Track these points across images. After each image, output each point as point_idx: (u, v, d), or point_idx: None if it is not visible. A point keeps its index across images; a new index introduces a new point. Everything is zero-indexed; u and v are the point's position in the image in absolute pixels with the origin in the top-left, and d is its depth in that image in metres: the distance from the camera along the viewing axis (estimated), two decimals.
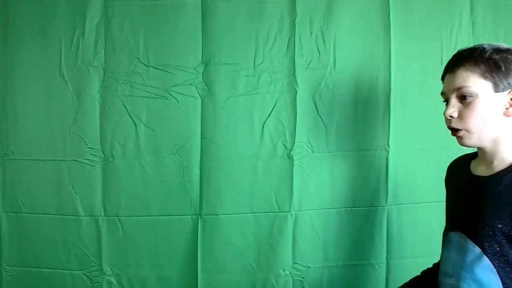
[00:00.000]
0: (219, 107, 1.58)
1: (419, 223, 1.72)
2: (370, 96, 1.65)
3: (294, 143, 1.62)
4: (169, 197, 1.59)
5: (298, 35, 1.60)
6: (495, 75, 1.09)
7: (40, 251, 1.59)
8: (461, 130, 1.13)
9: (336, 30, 1.62)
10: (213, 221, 1.61)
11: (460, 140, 1.15)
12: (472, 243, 1.11)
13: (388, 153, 1.67)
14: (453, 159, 1.73)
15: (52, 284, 1.60)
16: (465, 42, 1.70)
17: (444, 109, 1.15)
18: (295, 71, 1.60)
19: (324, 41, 1.61)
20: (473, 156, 1.24)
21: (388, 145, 1.66)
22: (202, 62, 1.57)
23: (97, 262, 1.59)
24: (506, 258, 1.06)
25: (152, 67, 1.54)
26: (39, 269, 1.60)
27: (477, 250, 1.09)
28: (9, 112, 1.54)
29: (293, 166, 1.63)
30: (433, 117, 1.69)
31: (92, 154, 1.56)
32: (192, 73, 1.56)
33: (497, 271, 1.07)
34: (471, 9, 1.70)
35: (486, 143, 1.13)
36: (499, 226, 1.06)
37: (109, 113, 1.55)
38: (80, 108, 1.55)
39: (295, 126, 1.61)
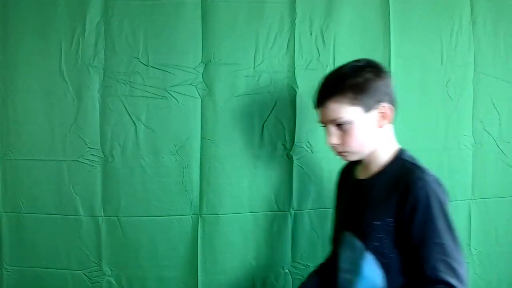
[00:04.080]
0: (219, 107, 1.58)
1: None
2: None
3: (293, 143, 1.62)
4: (169, 197, 1.59)
5: (298, 35, 1.60)
6: (362, 99, 1.18)
7: (40, 251, 1.59)
8: (346, 152, 1.23)
9: (336, 30, 1.62)
10: (213, 220, 1.61)
11: (345, 158, 1.26)
12: (358, 241, 1.21)
13: None
14: (452, 159, 1.74)
15: (52, 284, 1.60)
16: (465, 42, 1.70)
17: (327, 137, 1.24)
18: (295, 71, 1.60)
19: (324, 41, 1.61)
20: (354, 161, 1.32)
21: None
22: (202, 62, 1.57)
23: (97, 262, 1.59)
24: (384, 254, 1.16)
25: (152, 67, 1.54)
26: (39, 269, 1.60)
27: (362, 247, 1.19)
28: (9, 112, 1.54)
29: (292, 166, 1.63)
30: (433, 117, 1.70)
31: (92, 154, 1.56)
32: (192, 73, 1.56)
33: (381, 264, 1.17)
34: (471, 9, 1.70)
35: (366, 154, 1.24)
36: (377, 223, 1.16)
37: (109, 113, 1.55)
38: (80, 108, 1.55)
39: (295, 126, 1.61)
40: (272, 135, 1.61)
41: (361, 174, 1.30)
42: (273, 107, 1.60)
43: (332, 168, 1.65)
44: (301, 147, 1.62)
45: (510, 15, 1.73)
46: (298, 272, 1.67)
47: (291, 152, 1.62)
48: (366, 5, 1.63)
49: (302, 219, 1.65)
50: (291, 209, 1.64)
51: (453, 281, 1.07)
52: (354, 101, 1.18)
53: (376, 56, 1.62)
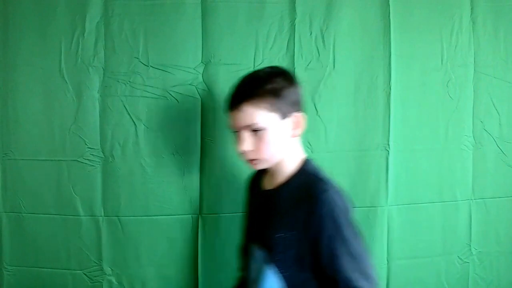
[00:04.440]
0: (219, 107, 1.57)
1: (419, 224, 1.72)
2: (370, 96, 1.65)
3: None
4: (169, 197, 1.59)
5: (297, 35, 1.60)
6: (279, 105, 1.16)
7: (41, 251, 1.59)
8: (258, 159, 1.20)
9: (336, 30, 1.62)
10: (213, 220, 1.61)
11: (255, 166, 1.23)
12: (262, 253, 1.19)
13: (388, 153, 1.67)
14: (452, 159, 1.74)
15: (53, 283, 1.60)
16: (465, 42, 1.70)
17: (236, 141, 1.22)
18: (294, 71, 1.60)
19: (323, 41, 1.61)
20: (262, 170, 1.30)
21: (388, 145, 1.66)
22: (202, 62, 1.57)
23: (97, 262, 1.59)
24: (287, 268, 1.15)
25: (152, 67, 1.54)
26: (40, 268, 1.60)
27: (265, 259, 1.18)
28: (9, 112, 1.54)
29: None
30: (433, 117, 1.70)
31: (92, 154, 1.56)
32: (192, 73, 1.56)
33: (283, 277, 1.15)
34: (471, 9, 1.70)
35: (274, 163, 1.22)
36: (280, 236, 1.14)
37: (109, 113, 1.55)
38: (80, 108, 1.55)
39: None
40: None
41: (267, 184, 1.28)
42: None
43: (332, 168, 1.64)
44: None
45: (510, 15, 1.73)
46: None
47: None
48: (366, 5, 1.63)
49: None
50: None
51: (367, 285, 1.11)
52: (272, 107, 1.16)
53: (376, 56, 1.64)
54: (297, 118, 1.21)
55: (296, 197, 1.16)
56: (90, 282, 1.59)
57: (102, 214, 1.57)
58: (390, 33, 1.63)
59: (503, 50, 1.73)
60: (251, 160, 1.21)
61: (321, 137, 1.63)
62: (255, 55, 1.58)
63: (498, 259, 1.79)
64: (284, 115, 1.18)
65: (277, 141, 1.18)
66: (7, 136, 1.55)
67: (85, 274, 1.59)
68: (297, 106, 1.22)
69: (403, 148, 1.68)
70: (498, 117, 1.75)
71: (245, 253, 1.32)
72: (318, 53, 1.61)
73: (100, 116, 1.55)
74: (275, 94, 1.17)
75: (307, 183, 1.17)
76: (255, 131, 1.17)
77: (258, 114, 1.16)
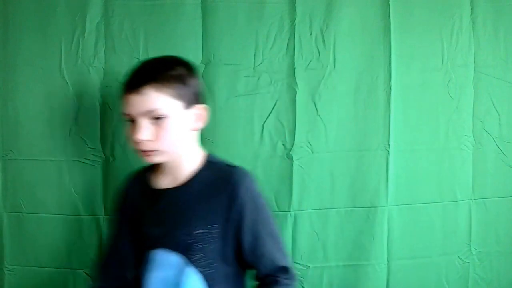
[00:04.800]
0: (219, 107, 1.57)
1: (420, 224, 1.72)
2: (370, 96, 1.65)
3: (293, 143, 1.62)
4: None
5: (298, 35, 1.60)
6: (185, 93, 1.10)
7: (42, 250, 1.60)
8: (156, 150, 1.11)
9: (336, 30, 1.61)
10: None
11: (149, 158, 1.13)
12: (175, 256, 1.10)
13: (389, 153, 1.67)
14: (452, 159, 1.74)
15: (54, 283, 1.60)
16: (466, 42, 1.70)
17: (130, 130, 1.11)
18: (295, 71, 1.60)
19: (324, 41, 1.61)
20: (147, 170, 1.22)
21: (389, 145, 1.66)
22: (202, 62, 1.57)
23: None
24: (209, 265, 1.09)
25: None
26: (41, 268, 1.60)
27: (182, 261, 1.09)
28: (10, 112, 1.54)
29: (292, 166, 1.63)
30: (434, 117, 1.70)
31: (93, 154, 1.56)
32: None
33: (206, 275, 1.09)
34: (471, 9, 1.70)
35: (173, 158, 1.14)
36: (199, 232, 1.09)
37: (110, 113, 1.55)
38: (80, 108, 1.55)
39: (295, 126, 1.61)
40: (272, 135, 1.61)
41: (164, 183, 1.18)
42: (273, 107, 1.60)
43: (332, 168, 1.65)
44: (301, 147, 1.62)
45: (510, 15, 1.72)
46: (298, 273, 1.65)
47: (291, 152, 1.62)
48: (366, 5, 1.63)
49: (302, 220, 1.65)
50: (291, 209, 1.64)
51: (287, 263, 1.14)
52: (176, 94, 1.09)
53: (376, 56, 1.64)
54: (200, 110, 1.15)
55: (211, 189, 1.12)
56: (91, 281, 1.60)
57: (103, 214, 1.58)
58: (390, 33, 1.63)
59: (503, 50, 1.73)
60: (147, 152, 1.12)
61: (321, 137, 1.63)
62: (255, 55, 1.58)
63: (498, 259, 1.79)
64: (187, 105, 1.11)
65: (178, 132, 1.11)
66: (7, 136, 1.55)
67: (86, 273, 1.60)
68: (200, 97, 1.16)
69: (403, 148, 1.68)
70: (498, 117, 1.74)
71: (137, 261, 1.19)
72: (318, 53, 1.61)
73: (100, 117, 1.55)
74: (180, 80, 1.10)
75: (222, 173, 1.15)
76: (156, 118, 1.08)
77: (162, 100, 1.07)
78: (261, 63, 1.59)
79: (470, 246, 1.76)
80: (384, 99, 1.65)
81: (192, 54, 1.56)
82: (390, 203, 1.68)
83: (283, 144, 1.62)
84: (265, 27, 1.59)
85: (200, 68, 1.56)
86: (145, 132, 1.09)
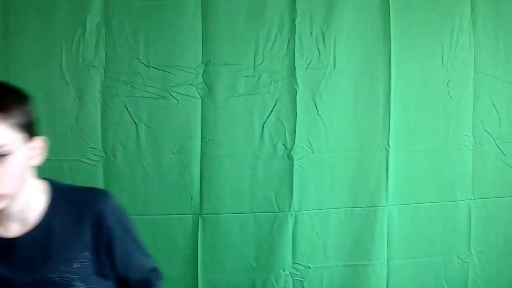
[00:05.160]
0: (219, 107, 1.58)
1: (419, 224, 1.73)
2: (370, 96, 1.65)
3: (294, 143, 1.62)
4: (170, 196, 1.59)
5: (298, 35, 1.60)
6: (26, 124, 0.92)
7: None
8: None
9: (336, 30, 1.62)
10: (213, 220, 1.61)
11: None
12: None
13: (389, 153, 1.67)
14: (452, 159, 1.74)
15: None
16: (466, 42, 1.70)
17: None
18: (295, 71, 1.60)
19: (324, 41, 1.62)
20: None
21: (389, 145, 1.67)
22: (202, 62, 1.57)
23: None
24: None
25: (153, 67, 1.55)
26: None
27: None
28: None
29: (293, 166, 1.63)
30: (433, 117, 1.70)
31: (94, 154, 1.57)
32: (192, 73, 1.57)
33: None
34: (471, 9, 1.70)
35: (18, 201, 0.95)
36: (76, 266, 0.99)
37: (110, 113, 1.56)
38: (81, 109, 1.55)
39: (295, 126, 1.62)
40: (272, 135, 1.61)
41: (14, 230, 0.99)
42: (273, 107, 1.61)
43: (333, 168, 1.66)
44: (302, 147, 1.63)
45: (510, 15, 1.73)
46: (298, 273, 1.67)
47: (291, 152, 1.62)
48: (366, 5, 1.63)
49: (303, 220, 1.65)
50: (291, 210, 1.64)
51: (154, 263, 1.13)
52: (19, 126, 0.89)
53: (376, 56, 1.64)
54: (40, 143, 0.96)
55: (72, 220, 1.01)
56: None
57: None
58: (390, 33, 1.64)
59: (503, 50, 1.73)
60: None
61: (321, 137, 1.64)
62: (255, 55, 1.59)
63: (498, 259, 1.79)
64: (28, 138, 0.92)
65: (22, 172, 0.92)
66: None
67: None
68: (37, 128, 0.97)
69: (403, 148, 1.68)
70: (498, 117, 1.75)
71: None
72: (319, 52, 1.62)
73: (101, 116, 1.56)
74: (24, 110, 0.92)
75: (78, 200, 1.04)
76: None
77: (7, 134, 0.87)
78: (261, 63, 1.59)
79: (469, 246, 1.76)
80: (384, 99, 1.65)
81: (192, 54, 1.57)
82: (390, 203, 1.69)
83: (284, 144, 1.62)
84: (265, 27, 1.59)
85: (200, 68, 1.57)
86: None
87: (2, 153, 0.86)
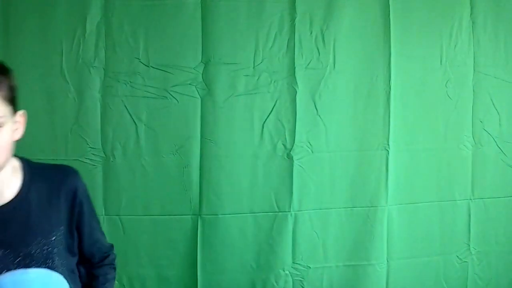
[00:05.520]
0: (219, 107, 1.58)
1: (419, 223, 1.73)
2: (370, 96, 1.65)
3: (294, 143, 1.62)
4: (169, 196, 1.59)
5: (298, 35, 1.60)
6: (14, 97, 0.94)
7: None
8: None
9: (336, 30, 1.62)
10: (213, 221, 1.61)
11: None
12: (34, 271, 0.98)
13: (388, 153, 1.67)
14: (452, 159, 1.73)
15: None
16: (465, 42, 1.71)
17: None
18: (295, 71, 1.60)
19: (324, 41, 1.62)
20: None
21: (388, 145, 1.67)
22: (202, 62, 1.57)
23: None
24: (65, 262, 1.06)
25: (152, 67, 1.54)
26: None
27: (43, 273, 0.98)
28: None
29: (293, 166, 1.63)
30: (433, 117, 1.70)
31: (93, 154, 1.57)
32: (192, 73, 1.57)
33: (66, 276, 1.02)
34: (471, 9, 1.70)
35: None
36: (53, 239, 1.02)
37: (110, 113, 1.56)
38: (81, 108, 1.55)
39: (295, 126, 1.62)
40: (272, 135, 1.61)
41: None
42: (273, 107, 1.61)
43: (332, 168, 1.66)
44: (301, 147, 1.63)
45: (510, 15, 1.73)
46: (298, 273, 1.67)
47: (291, 152, 1.62)
48: (366, 5, 1.63)
49: (303, 220, 1.65)
50: (291, 210, 1.64)
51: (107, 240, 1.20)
52: (8, 98, 0.92)
53: (376, 56, 1.64)
54: (21, 117, 0.99)
55: (47, 194, 1.04)
56: None
57: (103, 213, 1.58)
58: (390, 33, 1.64)
59: (503, 50, 1.73)
60: None
61: (321, 137, 1.64)
62: (255, 54, 1.59)
63: (497, 259, 1.79)
64: (14, 112, 0.95)
65: (9, 143, 0.94)
66: None
67: None
68: (18, 102, 0.99)
69: (402, 148, 1.68)
70: (498, 117, 1.75)
71: None
72: (318, 52, 1.62)
73: (101, 116, 1.56)
74: (10, 82, 0.94)
75: (52, 175, 1.07)
76: None
77: (0, 106, 0.90)
78: (261, 63, 1.59)
79: (469, 245, 1.76)
80: (383, 99, 1.66)
81: (192, 53, 1.57)
82: (389, 203, 1.69)
83: (283, 144, 1.62)
84: (265, 27, 1.59)
85: (200, 68, 1.57)
86: None
87: None
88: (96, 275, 1.18)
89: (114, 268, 1.22)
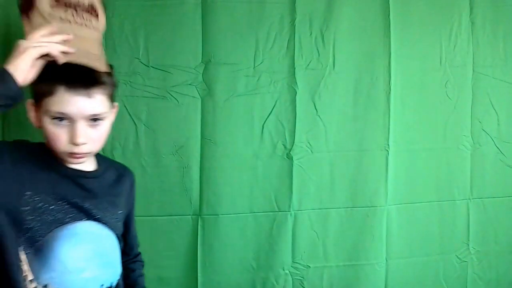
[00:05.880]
0: (219, 107, 1.58)
1: (418, 223, 1.74)
2: (369, 96, 1.66)
3: (293, 143, 1.62)
4: (169, 197, 1.58)
5: (297, 35, 1.60)
6: (113, 94, 1.11)
7: None
8: (89, 152, 1.08)
9: (336, 30, 1.62)
10: (213, 221, 1.61)
11: (79, 161, 1.08)
12: (109, 230, 1.14)
13: (388, 153, 1.68)
14: (451, 159, 1.74)
15: None
16: (464, 42, 1.72)
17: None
18: (294, 71, 1.61)
19: (323, 41, 1.62)
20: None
21: (388, 145, 1.67)
22: (202, 62, 1.57)
23: None
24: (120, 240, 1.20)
25: (152, 67, 1.54)
26: None
27: (113, 235, 1.15)
28: (10, 112, 1.53)
29: (292, 166, 1.63)
30: (433, 117, 1.71)
31: None
32: (192, 73, 1.56)
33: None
34: (470, 9, 1.71)
35: None
36: (119, 212, 1.18)
37: None
38: None
39: (295, 126, 1.62)
40: (272, 135, 1.61)
41: (82, 166, 1.13)
42: (273, 107, 1.61)
43: (332, 168, 1.66)
44: (301, 147, 1.63)
45: (509, 16, 1.74)
46: (298, 273, 1.67)
47: (291, 152, 1.63)
48: (366, 5, 1.64)
49: (302, 220, 1.66)
50: (291, 209, 1.64)
51: None
52: (110, 96, 1.08)
53: (376, 56, 1.64)
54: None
55: (115, 179, 1.20)
56: None
57: None
58: (390, 33, 1.64)
59: (502, 51, 1.74)
60: (81, 155, 1.06)
61: (321, 137, 1.64)
62: (255, 55, 1.59)
63: (497, 259, 1.81)
64: (112, 104, 1.12)
65: (107, 133, 1.11)
66: (8, 137, 1.54)
67: None
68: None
69: (402, 148, 1.69)
70: (497, 117, 1.76)
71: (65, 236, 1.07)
72: (318, 53, 1.62)
73: None
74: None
75: (115, 164, 1.26)
76: (93, 120, 1.04)
77: (105, 103, 1.06)
78: (261, 63, 1.59)
79: (468, 245, 1.78)
80: (383, 99, 1.66)
81: (192, 54, 1.56)
82: (389, 202, 1.69)
83: (283, 144, 1.62)
84: (265, 27, 1.59)
85: (200, 68, 1.57)
86: (84, 135, 1.03)
87: (100, 119, 1.05)
88: (133, 268, 1.31)
89: (143, 266, 1.37)
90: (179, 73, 1.56)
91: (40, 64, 0.98)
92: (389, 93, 1.65)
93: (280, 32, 1.60)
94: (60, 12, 1.02)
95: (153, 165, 1.57)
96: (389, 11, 1.64)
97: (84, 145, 1.04)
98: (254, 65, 1.59)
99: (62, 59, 0.97)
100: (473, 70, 1.73)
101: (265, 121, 1.61)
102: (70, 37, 1.00)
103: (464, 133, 1.74)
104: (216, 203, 1.61)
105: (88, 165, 1.14)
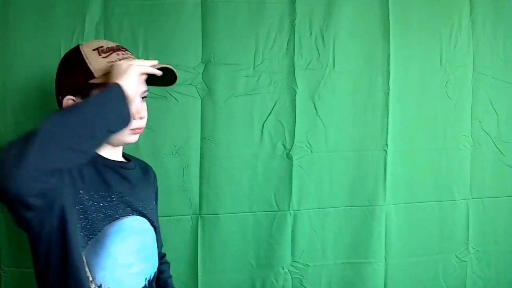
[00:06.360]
0: (218, 107, 1.58)
1: (417, 223, 1.74)
2: (369, 96, 1.66)
3: (293, 143, 1.63)
4: (169, 197, 1.58)
5: (297, 35, 1.60)
6: None
7: None
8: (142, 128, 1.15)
9: (336, 30, 1.62)
10: (213, 220, 1.61)
11: (137, 136, 1.14)
12: (149, 223, 1.16)
13: (387, 153, 1.68)
14: (451, 159, 1.75)
15: None
16: (464, 43, 1.72)
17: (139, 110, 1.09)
18: (294, 72, 1.61)
19: (323, 42, 1.62)
20: None
21: (387, 145, 1.67)
22: (202, 62, 1.57)
23: None
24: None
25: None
26: None
27: (152, 229, 1.18)
28: (8, 113, 1.53)
29: (292, 166, 1.63)
30: (432, 117, 1.72)
31: None
32: (192, 73, 1.56)
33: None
34: (470, 9, 1.71)
35: None
36: (154, 202, 1.25)
37: None
38: None
39: (295, 126, 1.62)
40: (272, 135, 1.62)
41: (115, 156, 1.16)
42: (273, 107, 1.61)
43: (332, 168, 1.66)
44: (301, 147, 1.63)
45: (509, 16, 1.74)
46: (297, 271, 1.68)
47: (290, 152, 1.63)
48: (366, 5, 1.64)
49: (302, 219, 1.66)
50: (290, 209, 1.65)
51: None
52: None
53: (375, 56, 1.65)
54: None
55: (143, 173, 1.24)
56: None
57: None
58: (389, 34, 1.64)
59: (502, 51, 1.75)
60: (140, 129, 1.13)
61: (320, 137, 1.64)
62: (255, 55, 1.59)
63: (496, 258, 1.81)
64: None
65: None
66: (7, 136, 1.54)
67: None
68: None
69: (401, 148, 1.69)
70: (497, 117, 1.76)
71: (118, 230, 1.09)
72: (318, 53, 1.62)
73: None
74: None
75: (140, 161, 1.28)
76: (142, 98, 1.14)
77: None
78: (261, 63, 1.59)
79: (467, 245, 1.78)
80: (382, 99, 1.66)
81: (192, 54, 1.56)
82: (388, 202, 1.70)
83: (283, 144, 1.63)
84: (265, 27, 1.59)
85: (200, 68, 1.56)
86: (144, 110, 1.14)
87: (146, 96, 1.14)
88: (162, 270, 1.31)
89: (170, 267, 1.39)
90: (179, 73, 1.52)
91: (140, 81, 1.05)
92: (388, 93, 1.66)
93: (280, 32, 1.59)
94: (114, 57, 1.09)
95: (153, 165, 1.54)
96: (388, 11, 1.64)
97: (145, 118, 1.13)
98: (254, 65, 1.59)
99: (158, 72, 1.08)
100: (473, 70, 1.73)
101: (265, 121, 1.61)
102: (156, 61, 1.12)
103: (464, 133, 1.74)
104: (216, 203, 1.61)
105: (120, 157, 1.17)
